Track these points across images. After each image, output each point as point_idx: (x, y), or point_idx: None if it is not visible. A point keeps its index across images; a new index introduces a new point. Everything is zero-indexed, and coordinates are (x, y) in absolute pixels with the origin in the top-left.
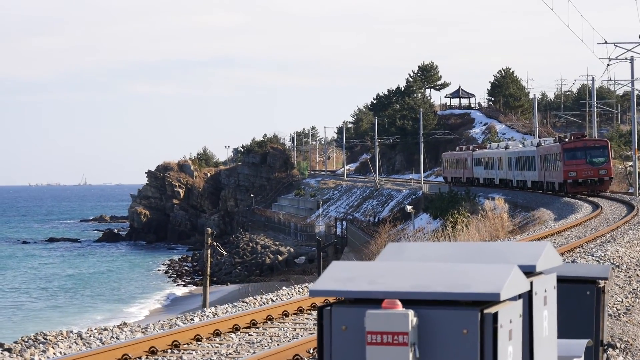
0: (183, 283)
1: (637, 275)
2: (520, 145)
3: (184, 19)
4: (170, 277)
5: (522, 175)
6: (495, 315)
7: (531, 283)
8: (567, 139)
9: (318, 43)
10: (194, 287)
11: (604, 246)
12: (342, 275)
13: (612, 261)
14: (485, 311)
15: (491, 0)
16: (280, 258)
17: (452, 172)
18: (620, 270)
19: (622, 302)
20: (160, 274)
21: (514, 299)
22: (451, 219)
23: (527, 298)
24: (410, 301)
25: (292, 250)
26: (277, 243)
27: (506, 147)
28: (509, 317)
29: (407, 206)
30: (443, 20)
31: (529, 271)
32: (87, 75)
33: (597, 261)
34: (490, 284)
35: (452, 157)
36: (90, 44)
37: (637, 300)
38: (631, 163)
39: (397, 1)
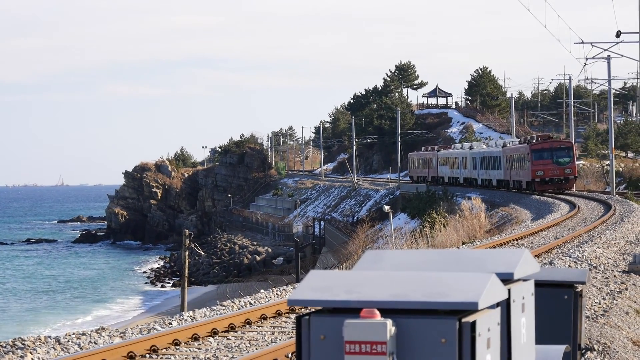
0: (161, 284)
1: (615, 276)
2: (485, 146)
3: (163, 19)
4: (148, 277)
5: (487, 174)
6: (473, 324)
7: (509, 291)
8: (534, 140)
9: (296, 43)
10: (172, 287)
11: (581, 247)
12: (320, 285)
13: (589, 262)
14: (464, 320)
15: (468, 0)
16: (258, 258)
17: (418, 172)
18: (597, 271)
19: (599, 303)
20: (138, 275)
21: (492, 307)
22: (429, 219)
23: (505, 306)
24: (389, 310)
25: (270, 250)
26: (255, 243)
27: (470, 148)
28: (487, 325)
29: (384, 206)
30: (420, 20)
31: (507, 279)
32: (66, 75)
33: (575, 262)
34: (468, 292)
35: (418, 157)
36: (69, 44)
37: (615, 301)
38: (608, 162)
39: (374, 1)
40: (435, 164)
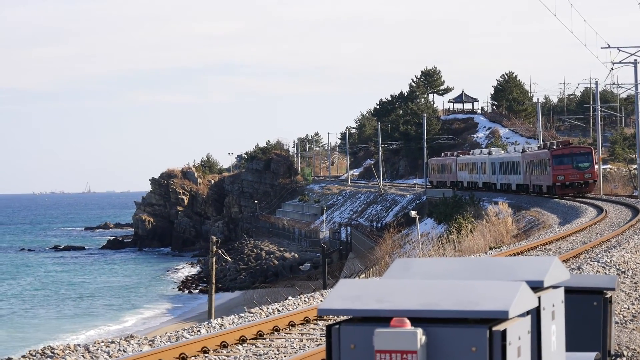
0: (188, 290)
1: None
2: (503, 152)
3: (185, 26)
4: (175, 283)
5: (506, 179)
6: (503, 332)
7: (539, 298)
8: (554, 146)
9: (321, 49)
10: (199, 293)
11: (609, 252)
12: (350, 294)
13: (617, 267)
14: (494, 329)
15: (494, 4)
16: (284, 264)
17: (437, 177)
18: (626, 276)
19: (628, 309)
20: (165, 281)
21: (522, 315)
22: (455, 225)
23: (535, 314)
24: (419, 319)
25: (296, 256)
26: (282, 249)
27: (489, 153)
28: (518, 333)
29: (411, 211)
30: (445, 25)
31: (537, 286)
32: (89, 84)
33: (603, 267)
34: (499, 301)
35: (438, 163)
36: (91, 52)
37: None
38: (635, 166)
39: (399, 6)
40: (455, 169)
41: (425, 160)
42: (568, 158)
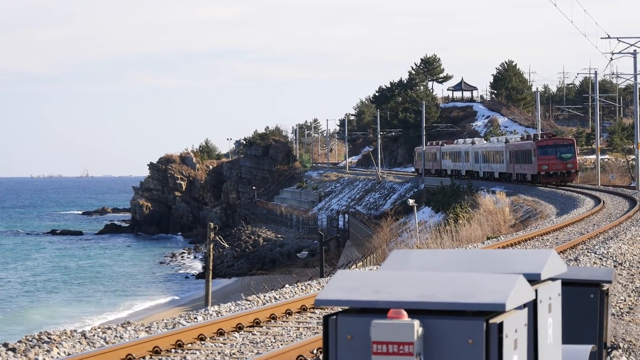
0: (185, 276)
1: None
2: (485, 142)
3: (187, 10)
4: (172, 269)
5: (489, 168)
6: (500, 325)
7: (536, 291)
8: (539, 138)
9: (320, 35)
10: (196, 279)
11: (606, 243)
12: (347, 285)
13: (614, 258)
14: (491, 321)
15: None
16: (282, 251)
17: (423, 165)
18: (622, 267)
19: (624, 300)
20: (162, 267)
21: (519, 308)
22: (453, 214)
23: (532, 306)
24: (416, 311)
25: (294, 243)
26: (279, 236)
27: (472, 143)
28: (515, 326)
29: (409, 199)
30: (445, 13)
31: (534, 279)
32: (90, 67)
33: (600, 259)
34: (496, 293)
35: (424, 151)
36: (92, 35)
37: None
38: (633, 156)
39: None
40: (439, 158)
41: (423, 149)
42: (552, 149)
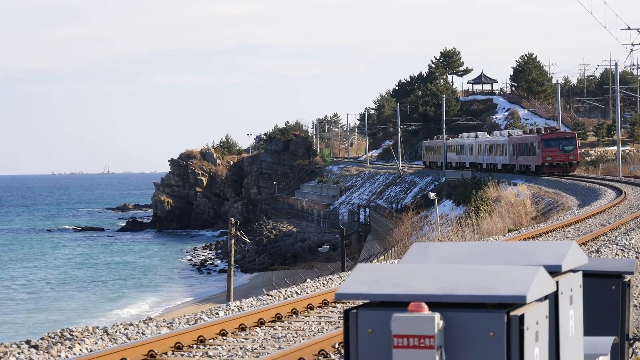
0: (207, 271)
1: None
2: (488, 136)
3: (205, 7)
4: (194, 265)
5: (492, 160)
6: (521, 317)
7: (557, 283)
8: (543, 132)
9: (340, 30)
10: (219, 273)
11: (628, 234)
12: (367, 278)
13: (636, 250)
14: (512, 313)
15: None
16: (303, 246)
17: (429, 157)
18: None
19: None
20: (184, 263)
21: (540, 300)
22: (474, 207)
23: (553, 298)
24: (436, 304)
25: (315, 237)
26: (300, 230)
27: (476, 137)
28: (536, 318)
29: (430, 193)
30: (465, 6)
31: (555, 271)
32: (109, 65)
33: (622, 250)
34: (517, 286)
35: (430, 145)
36: (111, 33)
37: None
38: None
39: None
40: (444, 151)
41: (444, 141)
42: (555, 142)
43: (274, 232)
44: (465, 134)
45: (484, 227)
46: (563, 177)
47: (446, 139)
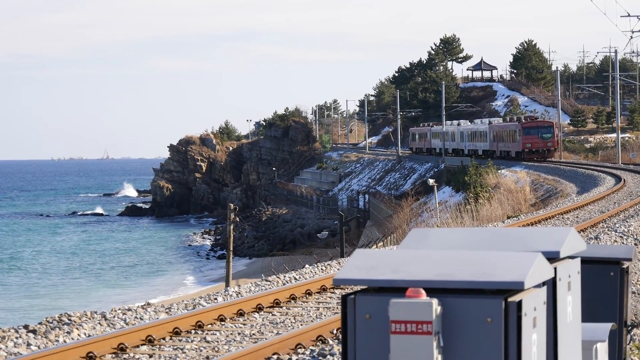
0: (206, 256)
1: None
2: (470, 124)
3: None
4: (193, 250)
5: (474, 146)
6: (519, 303)
7: (555, 269)
8: (524, 120)
9: (340, 16)
10: (217, 260)
11: (627, 221)
12: (366, 264)
13: (635, 237)
14: (510, 299)
15: None
16: (302, 232)
17: (416, 144)
18: None
19: None
20: (183, 248)
21: (538, 286)
22: (472, 193)
23: (551, 284)
24: (434, 290)
25: (314, 223)
26: (300, 217)
27: (458, 124)
28: (533, 304)
29: (429, 179)
30: None
31: (553, 257)
32: (108, 50)
33: (621, 237)
34: (515, 272)
35: (417, 132)
36: (110, 19)
37: None
38: None
39: None
40: (429, 138)
41: (444, 128)
42: (534, 130)
43: (273, 218)
44: (448, 122)
45: (483, 213)
46: (542, 162)
47: (430, 127)
